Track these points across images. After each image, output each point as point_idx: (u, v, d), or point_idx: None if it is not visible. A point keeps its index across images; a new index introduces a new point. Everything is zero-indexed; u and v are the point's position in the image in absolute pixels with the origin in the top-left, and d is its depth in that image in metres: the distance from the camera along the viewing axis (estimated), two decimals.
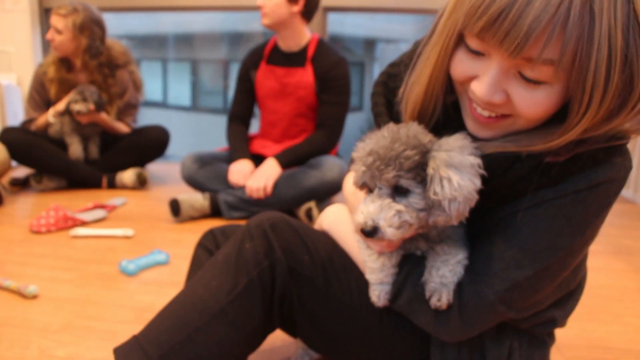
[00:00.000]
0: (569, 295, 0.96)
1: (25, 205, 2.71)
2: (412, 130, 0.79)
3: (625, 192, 3.22)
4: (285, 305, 0.96)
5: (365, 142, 0.80)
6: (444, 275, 0.85)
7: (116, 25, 3.10)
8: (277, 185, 2.44)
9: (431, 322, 0.88)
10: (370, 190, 0.81)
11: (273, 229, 0.96)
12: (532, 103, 0.73)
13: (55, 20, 2.85)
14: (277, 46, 2.64)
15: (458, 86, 0.83)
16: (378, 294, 0.92)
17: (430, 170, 0.76)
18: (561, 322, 0.98)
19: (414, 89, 0.87)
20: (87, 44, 2.91)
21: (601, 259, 2.08)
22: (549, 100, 0.72)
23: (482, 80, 0.75)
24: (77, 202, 2.68)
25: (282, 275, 0.93)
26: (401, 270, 0.90)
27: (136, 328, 0.94)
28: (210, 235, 1.20)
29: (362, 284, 0.95)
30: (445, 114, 0.88)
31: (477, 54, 0.75)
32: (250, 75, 2.71)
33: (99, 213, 2.45)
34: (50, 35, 2.85)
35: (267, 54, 2.66)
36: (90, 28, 2.93)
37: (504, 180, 0.79)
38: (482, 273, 0.83)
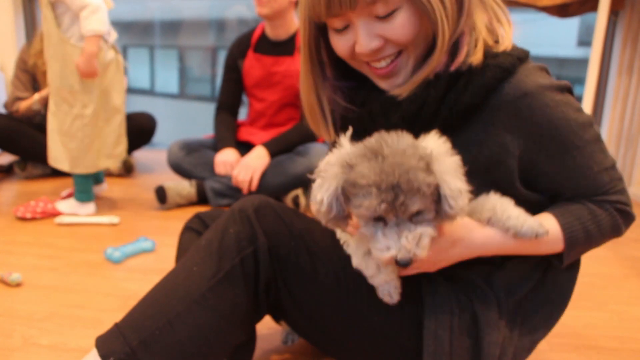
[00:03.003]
0: None
1: (9, 193, 2.68)
2: (413, 147, 0.77)
3: None
4: (272, 292, 0.96)
5: (370, 167, 0.75)
6: (518, 214, 0.89)
7: None
8: (265, 172, 2.42)
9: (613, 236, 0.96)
10: (380, 219, 0.78)
11: (257, 214, 0.95)
12: (399, 28, 0.86)
13: None
14: (265, 34, 2.61)
15: (353, 63, 0.95)
16: (389, 293, 0.92)
17: (444, 191, 0.77)
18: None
19: (304, 97, 1.01)
20: None
21: None
22: (408, 19, 0.85)
23: (358, 40, 0.88)
24: (61, 189, 2.65)
25: (266, 261, 0.93)
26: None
27: (122, 316, 0.94)
28: (196, 219, 1.20)
29: (350, 270, 0.94)
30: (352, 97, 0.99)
31: (344, 29, 0.89)
32: (238, 65, 2.68)
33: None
34: None
35: (254, 43, 2.63)
36: None
37: (431, 106, 0.88)
38: (612, 185, 0.93)
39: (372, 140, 0.78)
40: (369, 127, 0.92)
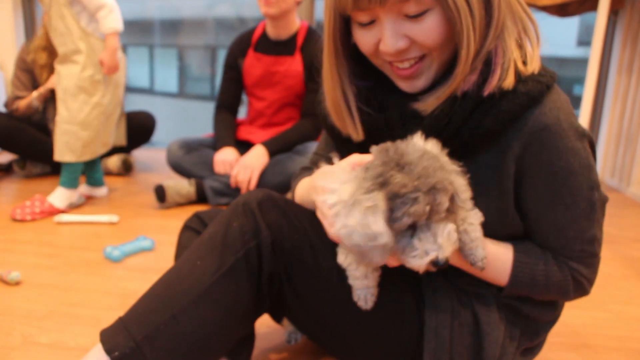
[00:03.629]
0: None
1: (9, 191, 2.68)
2: (425, 151, 0.78)
3: (610, 180, 3.25)
4: (275, 285, 0.96)
5: (405, 176, 0.75)
6: (476, 237, 0.87)
7: None
8: (264, 171, 2.43)
9: (559, 296, 0.95)
10: (410, 227, 0.78)
11: (260, 207, 0.95)
12: (428, 31, 0.82)
13: None
14: (266, 34, 2.61)
15: (375, 60, 0.91)
16: (364, 298, 0.92)
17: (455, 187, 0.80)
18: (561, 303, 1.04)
19: (328, 93, 0.97)
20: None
21: None
22: (438, 22, 0.82)
23: (384, 38, 0.84)
24: None
25: (269, 255, 0.93)
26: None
27: (121, 315, 0.94)
28: (195, 218, 1.20)
29: None
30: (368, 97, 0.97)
31: (369, 24, 0.85)
32: (238, 63, 2.67)
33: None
34: None
35: (254, 42, 2.63)
36: None
37: (455, 124, 0.86)
38: (580, 255, 0.91)
39: (384, 155, 0.78)
40: (385, 134, 0.91)
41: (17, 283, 1.60)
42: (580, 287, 0.93)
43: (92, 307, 1.48)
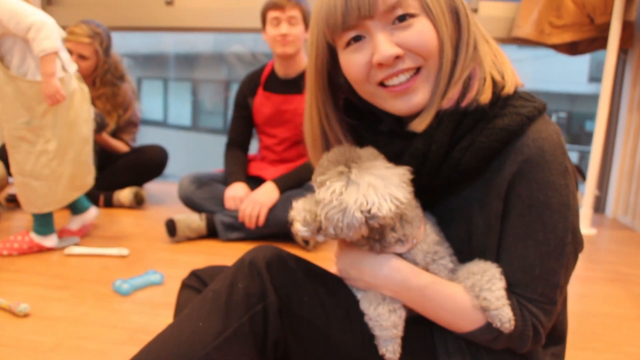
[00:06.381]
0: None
1: (21, 222, 2.70)
2: (359, 152, 0.87)
3: (623, 218, 3.22)
4: (280, 349, 0.91)
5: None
6: (501, 295, 0.84)
7: (118, 44, 3.13)
8: (274, 207, 2.42)
9: (515, 344, 0.88)
10: None
11: (269, 268, 0.90)
12: (419, 34, 0.85)
13: (80, 48, 2.84)
14: (274, 72, 2.64)
15: (366, 88, 0.91)
16: (393, 349, 0.89)
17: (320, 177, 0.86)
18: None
19: (307, 128, 1.05)
20: (110, 64, 2.93)
21: (599, 286, 2.06)
22: (427, 28, 0.85)
23: (378, 48, 0.85)
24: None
25: (276, 320, 0.89)
26: None
27: (129, 349, 0.93)
28: (193, 276, 1.15)
29: (366, 327, 0.91)
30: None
31: (358, 39, 0.87)
32: (248, 102, 2.71)
33: (72, 240, 2.36)
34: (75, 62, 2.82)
35: (263, 81, 2.66)
36: (110, 47, 2.96)
37: (444, 142, 0.86)
38: (541, 300, 0.86)
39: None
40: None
41: (25, 315, 1.60)
42: (538, 336, 0.87)
43: (99, 341, 1.47)
